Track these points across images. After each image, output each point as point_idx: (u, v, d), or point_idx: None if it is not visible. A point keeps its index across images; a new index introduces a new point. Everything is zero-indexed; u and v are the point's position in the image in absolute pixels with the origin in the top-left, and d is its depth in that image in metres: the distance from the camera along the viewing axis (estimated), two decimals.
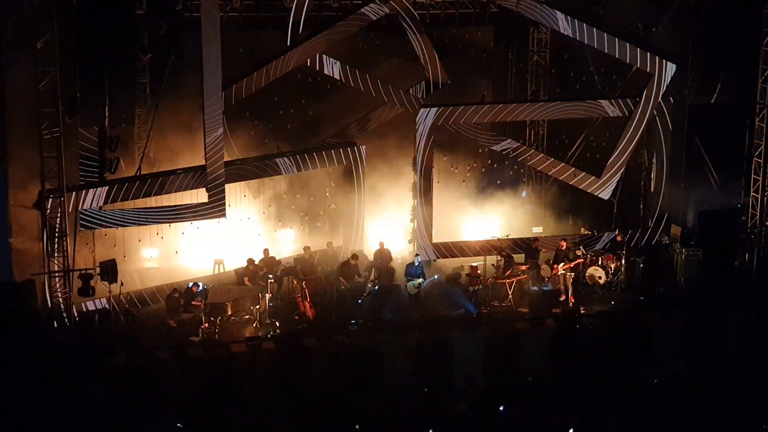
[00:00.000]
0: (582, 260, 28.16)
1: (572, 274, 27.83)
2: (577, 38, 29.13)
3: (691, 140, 29.97)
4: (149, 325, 25.44)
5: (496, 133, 30.25)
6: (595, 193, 30.00)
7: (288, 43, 28.31)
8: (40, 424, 21.99)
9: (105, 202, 25.75)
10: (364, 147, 29.39)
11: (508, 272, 27.39)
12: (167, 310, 25.66)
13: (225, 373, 23.25)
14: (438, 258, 29.47)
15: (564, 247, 28.33)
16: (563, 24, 28.95)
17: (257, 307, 25.68)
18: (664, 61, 28.86)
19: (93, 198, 25.49)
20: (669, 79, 29.00)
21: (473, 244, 29.57)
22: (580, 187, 30.28)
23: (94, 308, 25.27)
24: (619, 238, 29.33)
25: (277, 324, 25.52)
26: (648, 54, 28.84)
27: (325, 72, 29.20)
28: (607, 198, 30.05)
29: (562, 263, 27.84)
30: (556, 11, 28.83)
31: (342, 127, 30.84)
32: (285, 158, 28.30)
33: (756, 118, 28.22)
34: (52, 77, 23.50)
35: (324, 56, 28.87)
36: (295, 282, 26.96)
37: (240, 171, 27.63)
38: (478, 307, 26.53)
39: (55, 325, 24.47)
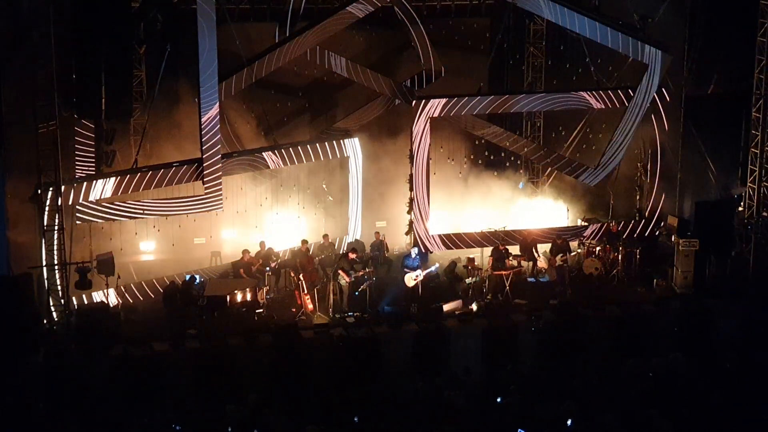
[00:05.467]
0: (582, 251, 28.32)
1: (568, 265, 27.91)
2: (568, 28, 29.17)
3: (687, 131, 29.98)
4: (146, 318, 25.44)
5: (481, 120, 30.29)
6: (585, 181, 30.20)
7: (281, 37, 28.33)
8: (38, 417, 22.03)
9: (103, 195, 25.75)
10: (357, 139, 29.44)
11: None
12: (164, 302, 25.65)
13: (222, 365, 23.29)
14: (435, 250, 29.46)
15: (560, 241, 28.41)
16: (548, 11, 28.97)
17: (255, 299, 25.73)
18: (659, 51, 28.87)
19: (92, 191, 25.49)
20: (665, 69, 29.02)
21: (470, 235, 29.57)
22: (573, 177, 30.48)
23: (91, 301, 25.28)
24: (614, 229, 29.37)
25: (275, 317, 25.54)
26: (643, 45, 28.85)
27: (324, 64, 29.20)
28: (592, 184, 30.21)
29: (560, 255, 27.90)
30: None
31: (338, 120, 30.88)
32: (281, 151, 28.30)
33: (752, 108, 28.21)
34: (48, 70, 23.45)
35: (322, 49, 28.89)
36: (293, 274, 27.00)
37: (236, 163, 27.61)
38: (475, 300, 26.57)
39: (53, 319, 24.47)
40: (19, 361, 22.43)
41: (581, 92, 29.60)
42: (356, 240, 29.26)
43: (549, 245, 28.77)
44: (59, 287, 24.66)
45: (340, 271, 26.37)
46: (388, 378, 23.77)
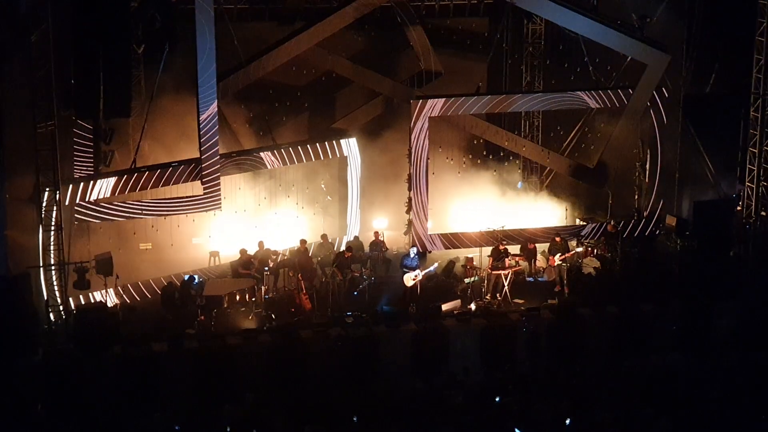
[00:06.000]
0: (580, 250, 28.29)
1: (567, 264, 27.90)
2: (567, 28, 29.19)
3: (685, 130, 29.98)
4: (145, 318, 25.43)
5: (479, 119, 30.30)
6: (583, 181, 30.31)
7: (280, 36, 28.35)
8: (37, 417, 22.01)
9: (102, 195, 25.74)
10: (354, 139, 29.45)
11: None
12: (162, 302, 25.64)
13: (221, 365, 23.27)
14: (434, 250, 29.44)
15: (559, 240, 28.41)
16: (546, 11, 28.98)
17: (253, 299, 25.72)
18: (658, 51, 28.87)
19: (91, 191, 25.48)
20: (663, 69, 29.01)
21: (469, 235, 29.56)
22: (571, 176, 30.50)
23: (89, 301, 25.26)
24: (611, 229, 29.34)
25: (274, 316, 25.54)
26: (642, 44, 28.85)
27: (322, 64, 29.21)
28: (591, 184, 30.27)
29: (558, 254, 27.89)
30: None
31: (337, 120, 30.89)
32: (279, 151, 28.30)
33: (750, 107, 28.22)
34: (46, 70, 23.44)
35: (321, 49, 28.89)
36: (292, 274, 26.99)
37: (234, 163, 27.62)
38: (473, 300, 26.56)
39: (51, 319, 24.45)
40: (18, 362, 22.41)
41: (579, 92, 29.61)
42: (355, 238, 29.26)
43: (548, 244, 28.76)
44: (57, 287, 24.64)
45: (334, 269, 26.40)
46: (387, 378, 23.78)
